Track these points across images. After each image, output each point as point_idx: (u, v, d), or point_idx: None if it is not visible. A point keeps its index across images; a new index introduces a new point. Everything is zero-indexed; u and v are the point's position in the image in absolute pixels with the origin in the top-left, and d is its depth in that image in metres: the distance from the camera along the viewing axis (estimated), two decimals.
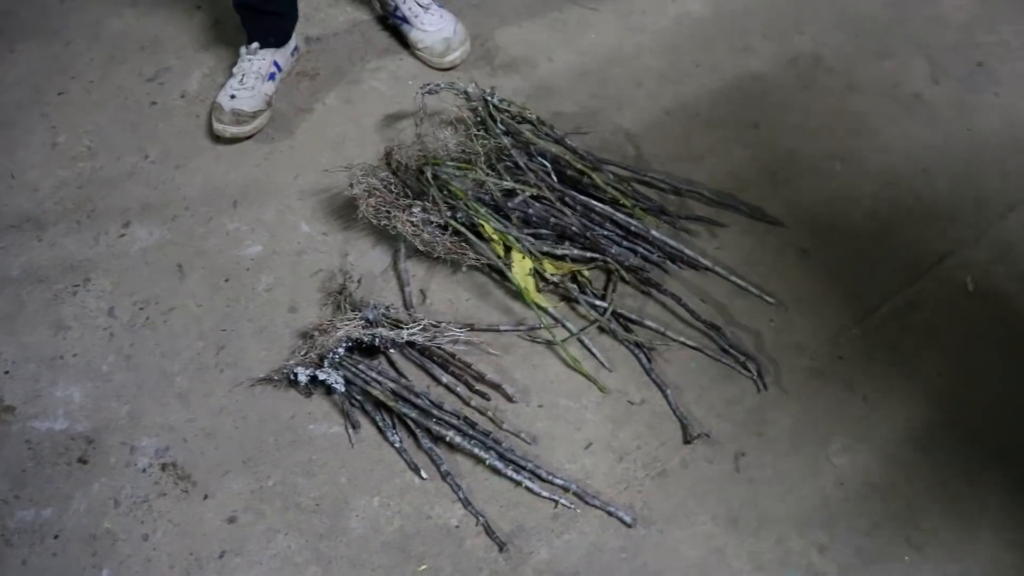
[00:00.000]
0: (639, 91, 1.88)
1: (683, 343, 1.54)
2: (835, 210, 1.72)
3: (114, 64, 1.93)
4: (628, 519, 1.36)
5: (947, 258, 1.66)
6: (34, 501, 1.39)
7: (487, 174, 1.62)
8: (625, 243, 1.64)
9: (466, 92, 1.68)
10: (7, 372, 1.51)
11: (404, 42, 1.96)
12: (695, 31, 2.00)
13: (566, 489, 1.39)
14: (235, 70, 1.81)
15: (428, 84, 1.67)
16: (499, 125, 1.67)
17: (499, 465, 1.40)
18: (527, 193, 1.62)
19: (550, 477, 1.39)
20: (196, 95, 1.88)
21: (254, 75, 1.79)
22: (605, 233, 1.64)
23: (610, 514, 1.36)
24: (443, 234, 1.56)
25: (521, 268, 1.56)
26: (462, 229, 1.53)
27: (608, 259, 1.58)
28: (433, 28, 1.90)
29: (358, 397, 1.46)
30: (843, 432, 1.46)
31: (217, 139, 1.79)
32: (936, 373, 1.52)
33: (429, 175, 1.58)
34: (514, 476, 1.39)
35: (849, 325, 1.57)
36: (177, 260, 1.64)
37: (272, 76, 1.82)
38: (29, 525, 1.36)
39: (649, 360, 1.52)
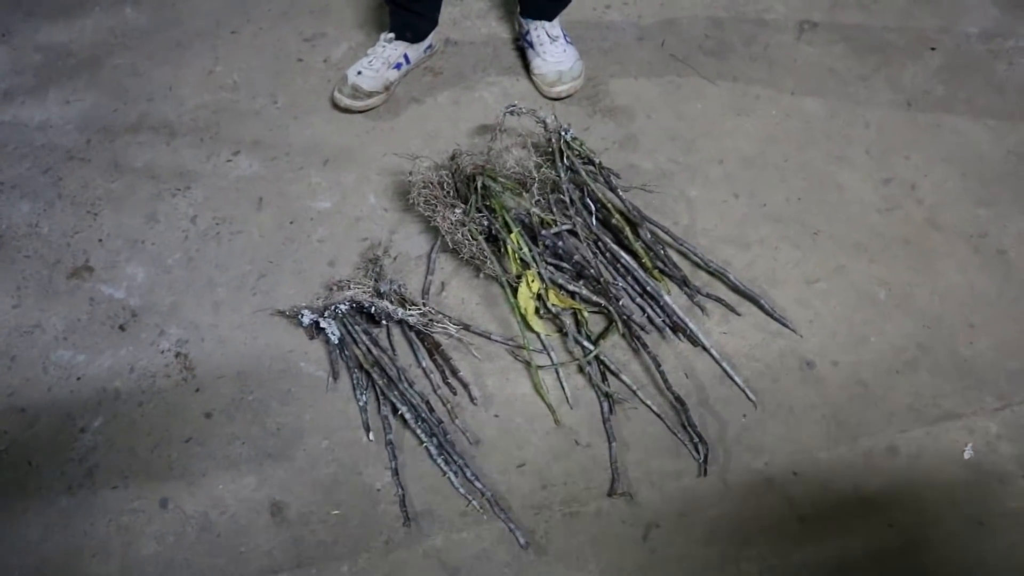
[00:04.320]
0: (718, 168, 1.93)
1: (648, 407, 1.60)
2: (858, 334, 1.70)
3: (284, 19, 2.23)
4: (523, 540, 1.45)
5: (955, 418, 1.60)
6: (75, 346, 1.68)
7: (535, 200, 1.75)
8: (637, 300, 1.72)
9: (544, 122, 1.82)
10: (100, 240, 1.82)
11: (527, 65, 2.11)
12: (800, 128, 2.01)
13: (482, 494, 1.50)
14: (369, 51, 2.04)
15: (512, 105, 1.82)
16: (564, 160, 1.79)
17: (433, 451, 1.53)
18: (563, 227, 1.73)
19: (473, 479, 1.51)
20: (336, 63, 2.13)
21: (382, 60, 2.01)
22: (622, 285, 1.72)
23: (510, 530, 1.46)
24: (473, 241, 1.71)
25: (527, 290, 1.68)
26: (479, 239, 1.67)
27: (611, 308, 1.67)
28: (553, 59, 2.04)
29: (347, 353, 1.65)
30: (764, 543, 1.47)
31: (334, 106, 2.03)
32: (887, 524, 1.49)
33: (478, 184, 1.73)
34: (443, 465, 1.52)
35: (819, 447, 1.56)
36: (261, 194, 1.89)
37: (398, 66, 2.03)
38: (65, 363, 1.66)
39: (611, 411, 1.59)
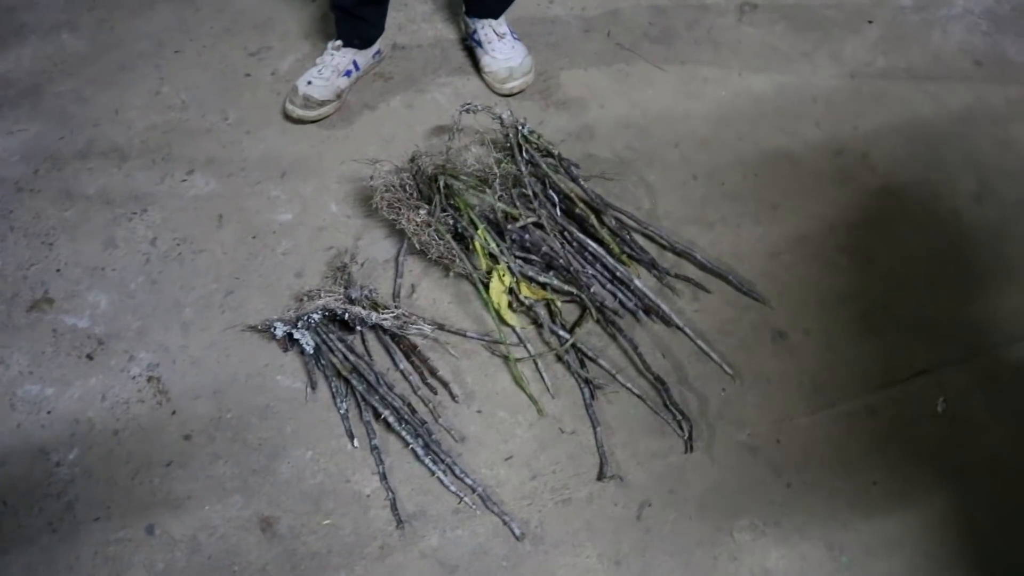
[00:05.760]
0: (674, 151, 1.96)
1: (629, 389, 1.61)
2: (825, 302, 1.73)
3: (227, 35, 2.20)
4: (518, 532, 1.45)
5: (926, 374, 1.65)
6: (43, 380, 1.63)
7: (498, 195, 1.75)
8: (608, 286, 1.73)
9: (500, 118, 1.82)
10: (58, 270, 1.77)
11: (476, 64, 2.12)
12: (750, 107, 2.06)
13: (473, 490, 1.49)
14: (318, 60, 2.02)
15: (467, 104, 1.82)
16: (524, 154, 1.80)
17: (420, 452, 1.52)
18: (529, 220, 1.74)
19: (463, 476, 1.51)
20: (284, 75, 2.11)
21: (332, 69, 2.00)
22: (592, 272, 1.73)
23: (505, 523, 1.46)
24: (440, 240, 1.71)
25: (498, 284, 1.68)
26: (447, 237, 1.67)
27: (583, 296, 1.68)
28: (502, 56, 2.05)
29: (323, 362, 1.63)
30: (755, 512, 1.49)
31: (286, 117, 2.01)
32: (871, 482, 1.52)
33: (441, 184, 1.73)
34: (430, 465, 1.51)
35: (799, 414, 1.59)
36: (220, 211, 1.86)
37: (348, 73, 2.02)
38: (32, 397, 1.61)
39: (592, 397, 1.60)
